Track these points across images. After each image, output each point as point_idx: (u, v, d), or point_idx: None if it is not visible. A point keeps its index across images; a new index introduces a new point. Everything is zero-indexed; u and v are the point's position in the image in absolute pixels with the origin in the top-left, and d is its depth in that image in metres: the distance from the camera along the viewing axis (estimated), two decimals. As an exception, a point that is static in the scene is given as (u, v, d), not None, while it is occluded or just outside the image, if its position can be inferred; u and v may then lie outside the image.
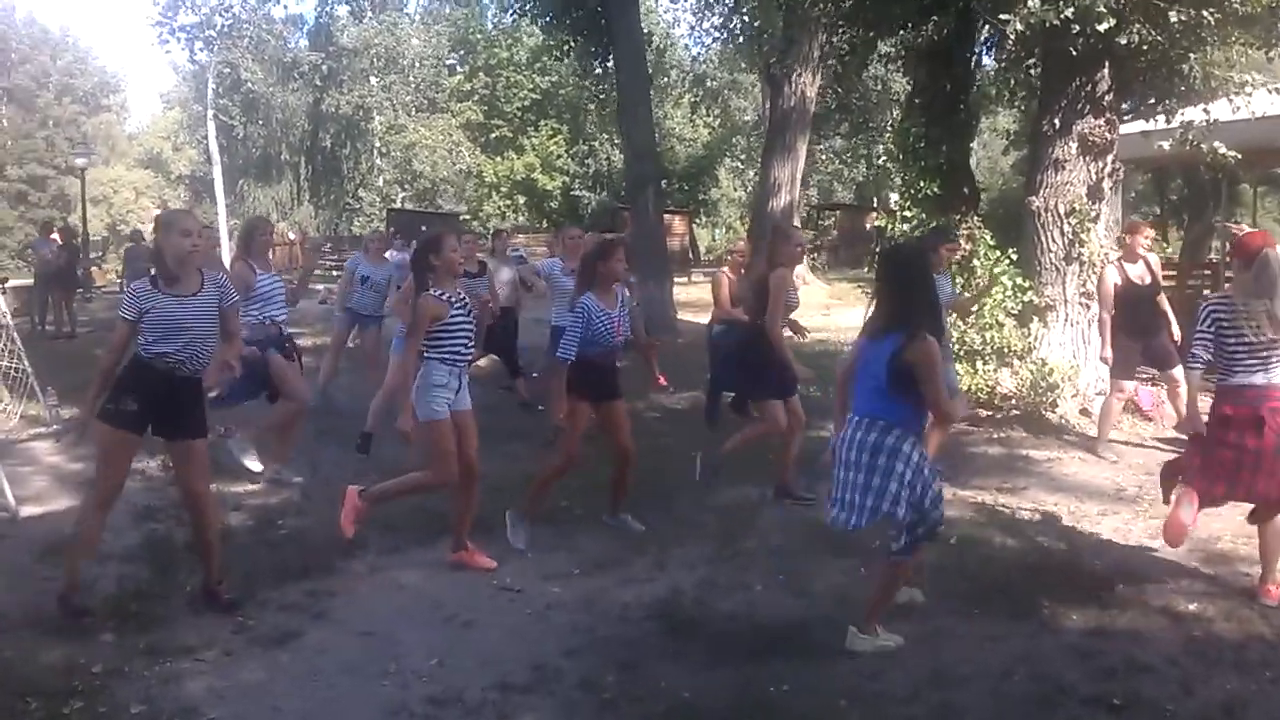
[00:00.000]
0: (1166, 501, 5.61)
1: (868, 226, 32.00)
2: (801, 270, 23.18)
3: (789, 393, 6.74)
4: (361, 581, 5.35)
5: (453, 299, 5.33)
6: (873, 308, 4.59)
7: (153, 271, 4.96)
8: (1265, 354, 4.98)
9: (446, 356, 5.31)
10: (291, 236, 34.62)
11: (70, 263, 17.62)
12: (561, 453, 6.05)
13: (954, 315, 8.19)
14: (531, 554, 5.72)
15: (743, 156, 42.67)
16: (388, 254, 13.05)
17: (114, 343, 4.84)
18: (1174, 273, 12.67)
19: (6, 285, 16.23)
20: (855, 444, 4.31)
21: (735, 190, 46.29)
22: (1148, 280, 7.83)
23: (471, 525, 5.62)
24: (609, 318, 5.90)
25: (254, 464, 7.24)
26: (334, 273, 23.32)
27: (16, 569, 5.47)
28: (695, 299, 19.03)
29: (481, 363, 10.11)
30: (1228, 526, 5.73)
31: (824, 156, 37.31)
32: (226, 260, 11.63)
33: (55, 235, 17.97)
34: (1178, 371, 7.77)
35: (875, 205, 36.41)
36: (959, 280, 8.88)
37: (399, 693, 4.11)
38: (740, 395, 9.17)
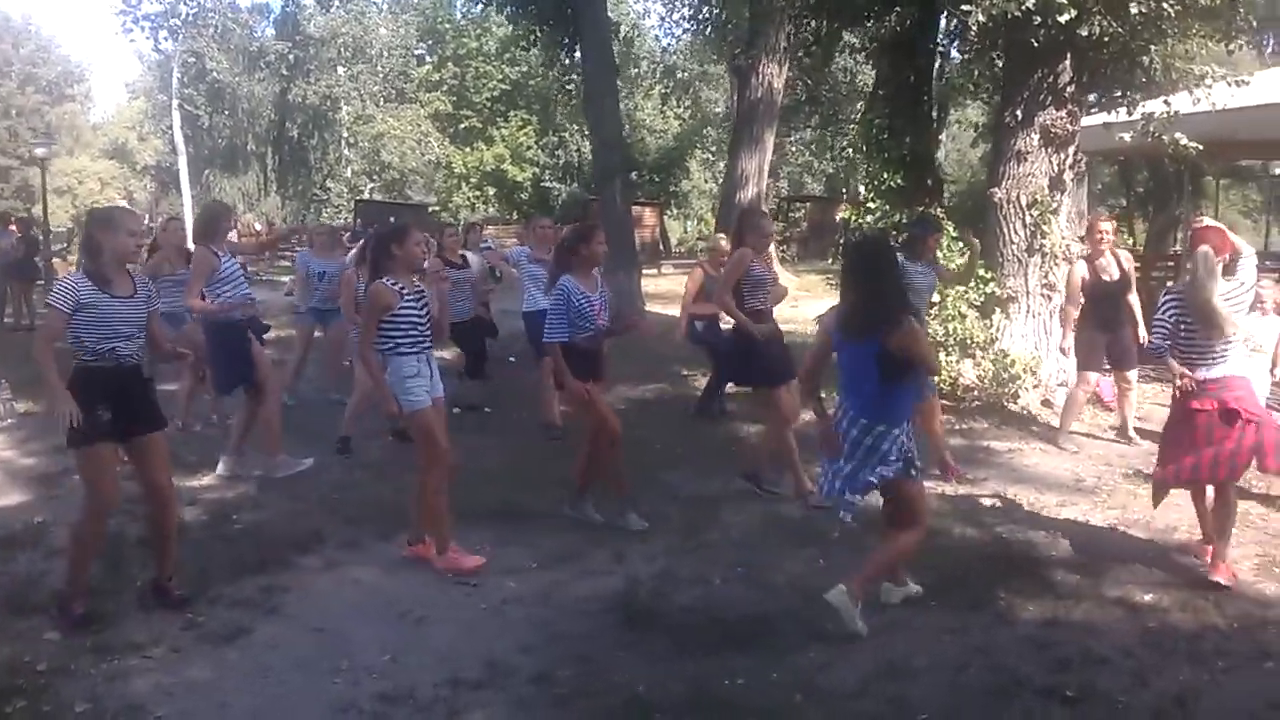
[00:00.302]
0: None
1: (837, 218, 32.04)
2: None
3: (784, 378, 6.60)
4: (316, 576, 5.28)
5: (405, 290, 5.27)
6: (842, 299, 4.60)
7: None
8: (1219, 348, 5.03)
9: (405, 348, 5.26)
10: (258, 227, 34.20)
11: (29, 254, 17.33)
12: (603, 431, 5.97)
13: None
14: (489, 547, 5.66)
15: (713, 148, 42.61)
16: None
17: (49, 333, 4.69)
18: (1139, 264, 12.73)
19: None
20: (845, 438, 4.50)
21: (706, 182, 46.19)
22: (1116, 276, 7.82)
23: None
24: (589, 300, 5.91)
25: (300, 463, 7.22)
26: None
27: (-39, 565, 5.38)
28: (665, 290, 18.99)
29: (447, 355, 10.01)
30: (1184, 517, 5.75)
31: (794, 148, 37.36)
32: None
33: (13, 226, 17.70)
34: (1132, 374, 7.84)
35: (845, 197, 36.48)
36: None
37: (349, 690, 4.06)
38: (706, 396, 9.18)
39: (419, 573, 5.32)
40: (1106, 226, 7.98)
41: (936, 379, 8.16)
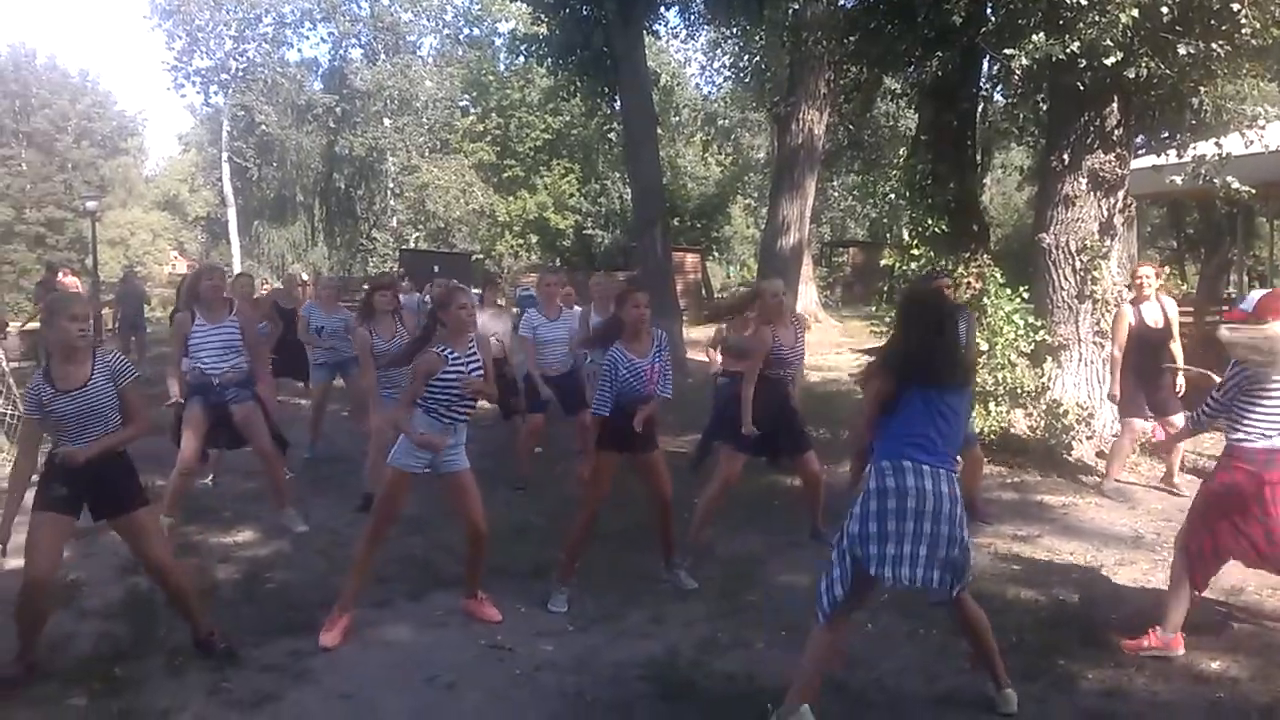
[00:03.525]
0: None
1: (881, 264, 31.80)
2: (814, 308, 22.96)
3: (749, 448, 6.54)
4: (347, 638, 5.14)
5: (450, 355, 5.12)
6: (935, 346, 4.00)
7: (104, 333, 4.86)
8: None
9: (431, 408, 5.13)
10: (305, 278, 34.54)
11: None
12: (584, 509, 5.75)
13: None
14: (525, 609, 5.51)
15: (755, 194, 42.60)
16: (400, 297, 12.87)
17: (23, 443, 4.85)
18: (1191, 308, 12.38)
19: (8, 330, 16.27)
20: (941, 495, 3.90)
21: (748, 228, 46.18)
22: (1160, 324, 7.59)
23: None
24: (636, 367, 5.60)
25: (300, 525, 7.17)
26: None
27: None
28: (707, 337, 18.81)
29: (484, 405, 9.84)
30: (1251, 576, 5.47)
31: (836, 194, 37.21)
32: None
33: (62, 277, 17.95)
34: (1177, 418, 7.36)
35: (888, 242, 36.21)
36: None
37: (374, 763, 3.91)
38: (700, 453, 8.82)
39: (451, 635, 5.18)
40: (1146, 272, 7.74)
41: (980, 428, 7.94)
